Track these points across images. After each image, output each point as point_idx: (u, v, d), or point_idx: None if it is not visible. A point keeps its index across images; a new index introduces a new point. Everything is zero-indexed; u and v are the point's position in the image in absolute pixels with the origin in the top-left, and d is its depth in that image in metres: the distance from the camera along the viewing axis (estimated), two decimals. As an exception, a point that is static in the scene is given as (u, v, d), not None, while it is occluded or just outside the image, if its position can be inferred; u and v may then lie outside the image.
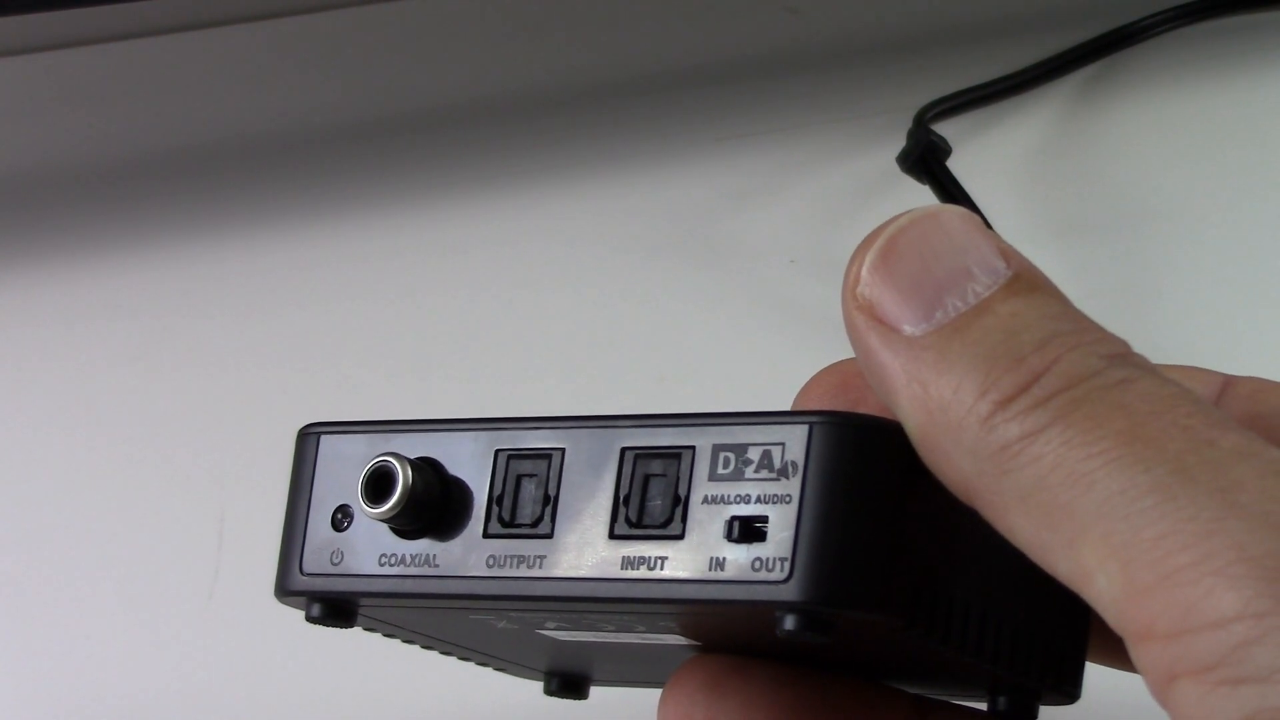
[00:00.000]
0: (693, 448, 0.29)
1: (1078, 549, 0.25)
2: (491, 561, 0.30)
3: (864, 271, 0.28)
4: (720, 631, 0.32)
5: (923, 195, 0.57)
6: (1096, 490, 0.25)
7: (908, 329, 0.27)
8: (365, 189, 0.64)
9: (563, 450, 0.30)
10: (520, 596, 0.30)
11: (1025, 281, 0.28)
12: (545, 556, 0.30)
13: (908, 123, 0.59)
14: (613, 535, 0.29)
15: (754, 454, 0.28)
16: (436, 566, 0.31)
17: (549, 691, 0.38)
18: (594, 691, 0.38)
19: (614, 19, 0.69)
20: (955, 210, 0.29)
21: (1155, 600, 0.24)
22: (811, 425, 0.28)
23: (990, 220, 0.54)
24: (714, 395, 0.55)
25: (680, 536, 0.29)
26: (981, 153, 0.61)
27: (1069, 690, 0.32)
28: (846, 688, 0.34)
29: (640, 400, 0.56)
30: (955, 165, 0.57)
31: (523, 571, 0.30)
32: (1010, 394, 0.26)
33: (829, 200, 0.62)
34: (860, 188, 0.62)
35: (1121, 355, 0.27)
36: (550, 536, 0.30)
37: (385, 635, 0.35)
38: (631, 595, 0.29)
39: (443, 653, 0.36)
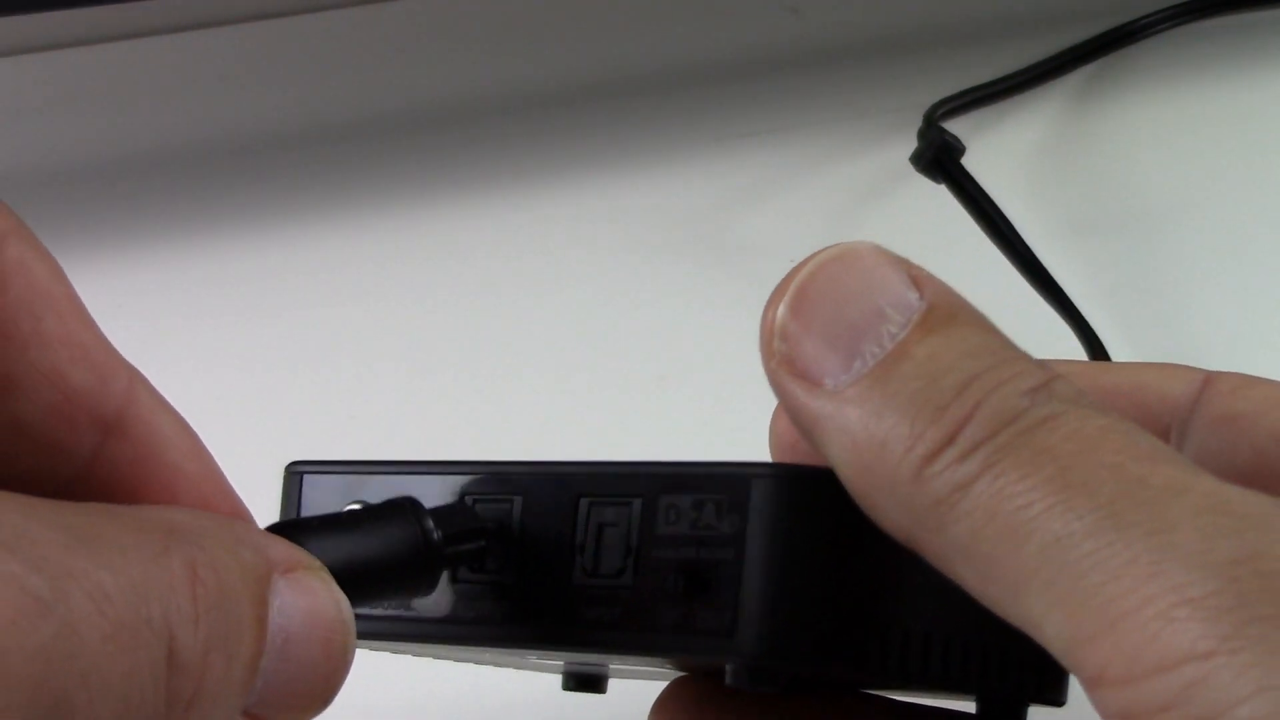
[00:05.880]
0: (642, 498, 0.29)
1: (1021, 599, 0.25)
2: (461, 606, 0.30)
3: (778, 322, 0.27)
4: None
5: (935, 194, 0.56)
6: (1033, 541, 0.25)
7: (829, 382, 0.27)
8: (365, 189, 0.64)
9: (522, 497, 0.30)
10: (491, 639, 0.30)
11: (940, 314, 0.27)
12: (510, 602, 0.30)
13: (907, 122, 0.59)
14: (571, 582, 0.29)
15: (699, 506, 0.28)
16: (410, 609, 0.31)
17: (567, 687, 0.38)
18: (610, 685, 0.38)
19: (614, 19, 0.69)
20: (863, 246, 0.28)
21: (1103, 647, 0.24)
22: (750, 479, 0.28)
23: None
24: (714, 395, 0.55)
25: (631, 587, 0.29)
26: (982, 152, 0.61)
27: (1052, 698, 0.31)
28: (833, 704, 0.34)
29: (640, 400, 0.56)
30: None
31: (490, 616, 0.30)
32: (936, 447, 0.26)
33: (829, 200, 0.62)
34: (860, 187, 0.62)
35: (1044, 386, 0.26)
36: (514, 583, 0.30)
37: (371, 650, 0.35)
38: (590, 641, 0.29)
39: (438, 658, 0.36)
